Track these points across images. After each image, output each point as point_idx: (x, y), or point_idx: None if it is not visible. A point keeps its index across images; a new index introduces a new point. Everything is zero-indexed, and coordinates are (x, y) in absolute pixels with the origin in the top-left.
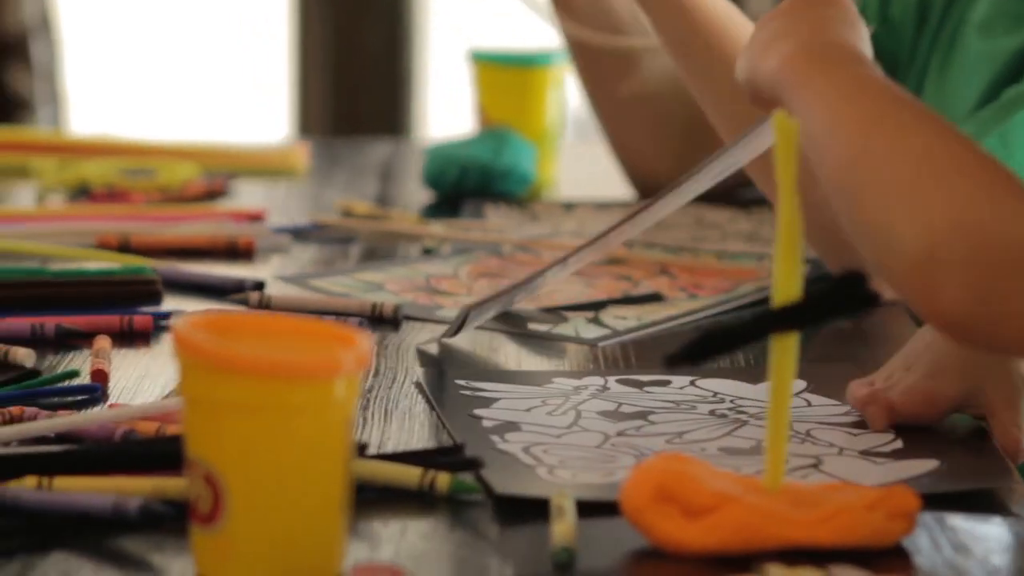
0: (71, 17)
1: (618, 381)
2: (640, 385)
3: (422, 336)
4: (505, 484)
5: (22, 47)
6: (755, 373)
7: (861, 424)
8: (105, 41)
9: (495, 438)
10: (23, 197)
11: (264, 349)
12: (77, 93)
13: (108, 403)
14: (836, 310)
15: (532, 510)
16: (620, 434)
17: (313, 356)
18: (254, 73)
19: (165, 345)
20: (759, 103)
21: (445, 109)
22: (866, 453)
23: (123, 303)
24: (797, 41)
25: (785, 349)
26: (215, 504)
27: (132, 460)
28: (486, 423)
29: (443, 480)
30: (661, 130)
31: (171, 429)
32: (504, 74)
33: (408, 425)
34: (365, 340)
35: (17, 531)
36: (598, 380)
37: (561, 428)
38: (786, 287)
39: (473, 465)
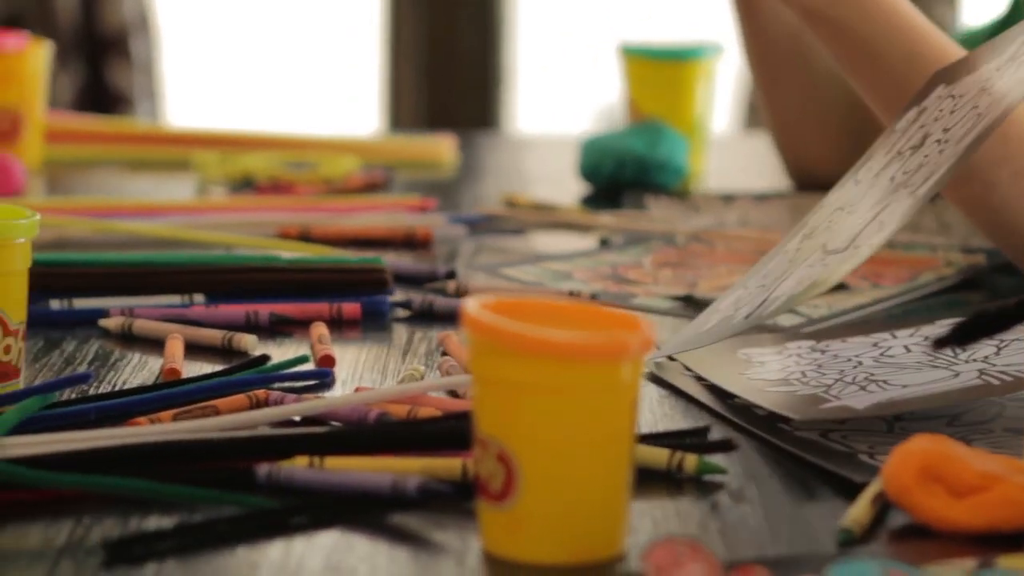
0: (168, 14)
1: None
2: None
3: None
4: (852, 475)
5: (122, 43)
6: None
7: None
8: (200, 37)
9: (783, 426)
10: (183, 190)
11: (555, 331)
12: (174, 87)
13: (335, 388)
14: None
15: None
16: (898, 418)
17: (606, 338)
18: (347, 68)
19: (375, 332)
20: None
21: (536, 104)
22: None
23: (351, 292)
24: None
25: None
26: (507, 482)
27: (402, 441)
28: (759, 412)
29: (691, 461)
30: (825, 121)
31: (422, 412)
32: (655, 68)
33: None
34: (647, 324)
35: (293, 510)
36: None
37: None
38: None
39: (724, 447)
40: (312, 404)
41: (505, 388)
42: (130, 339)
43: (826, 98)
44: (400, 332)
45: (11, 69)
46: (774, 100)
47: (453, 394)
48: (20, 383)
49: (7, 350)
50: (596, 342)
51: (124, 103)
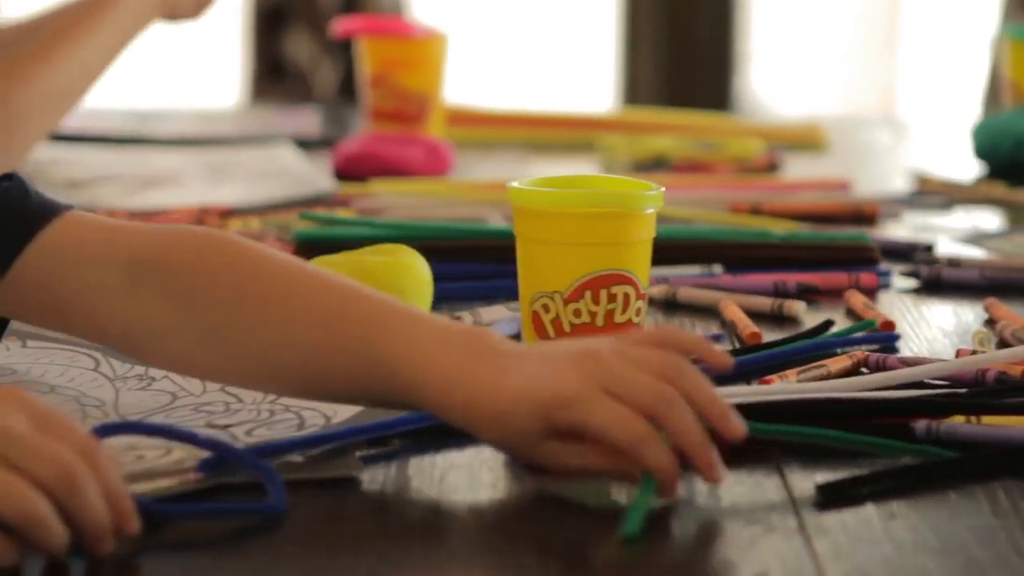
0: (423, 6)
1: None
2: None
3: None
4: None
5: None
6: None
7: None
8: (448, 20)
9: None
10: (585, 169)
11: None
12: None
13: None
14: None
15: None
16: None
17: None
18: (583, 49)
19: (886, 302)
20: None
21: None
22: None
23: (839, 267)
24: None
25: None
26: None
27: None
28: None
29: None
30: None
31: None
32: None
33: None
34: None
35: (968, 462)
36: None
37: None
38: None
39: None
40: (941, 366)
41: None
42: (673, 306)
43: None
44: (905, 301)
45: (420, 56)
46: None
47: None
48: None
49: (638, 312)
50: None
51: None
